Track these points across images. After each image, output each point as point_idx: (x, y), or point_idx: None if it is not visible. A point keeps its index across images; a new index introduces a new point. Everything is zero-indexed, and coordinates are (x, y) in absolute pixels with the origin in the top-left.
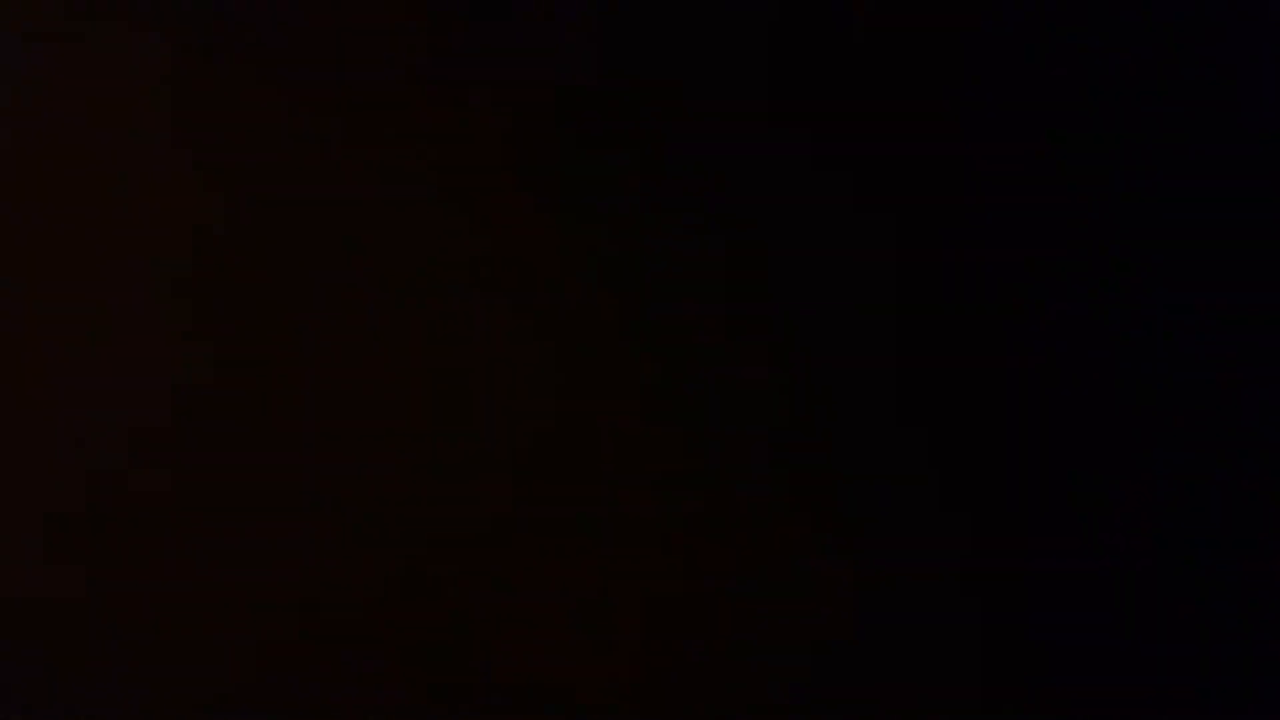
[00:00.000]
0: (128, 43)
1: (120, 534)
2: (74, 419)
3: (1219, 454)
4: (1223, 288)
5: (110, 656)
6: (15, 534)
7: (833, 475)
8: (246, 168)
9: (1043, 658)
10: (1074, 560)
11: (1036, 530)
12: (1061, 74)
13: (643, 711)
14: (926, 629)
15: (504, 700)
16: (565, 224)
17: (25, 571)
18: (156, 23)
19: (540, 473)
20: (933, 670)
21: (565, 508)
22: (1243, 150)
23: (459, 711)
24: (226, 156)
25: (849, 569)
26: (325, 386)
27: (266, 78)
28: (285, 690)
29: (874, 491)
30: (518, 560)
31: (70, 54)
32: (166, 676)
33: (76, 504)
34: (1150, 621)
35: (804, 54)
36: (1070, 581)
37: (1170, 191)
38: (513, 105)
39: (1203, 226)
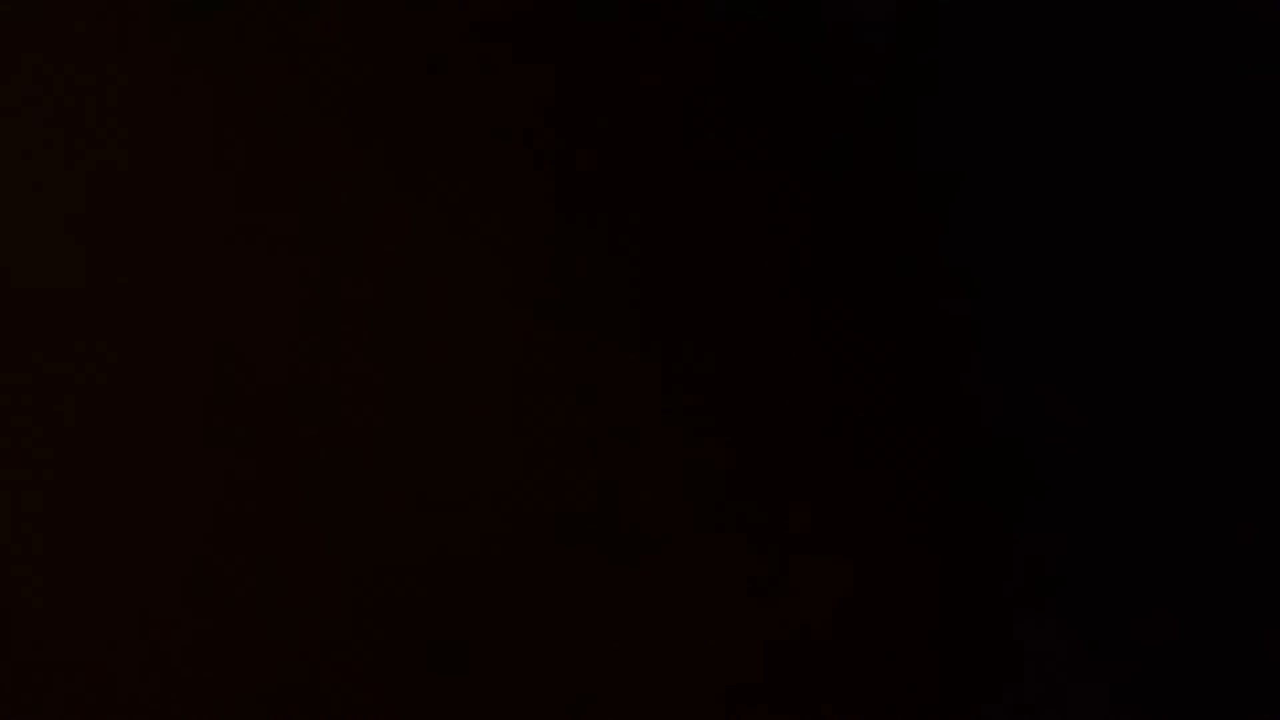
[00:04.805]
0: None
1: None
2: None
3: (1217, 454)
4: (1219, 290)
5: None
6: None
7: (837, 479)
8: (242, 165)
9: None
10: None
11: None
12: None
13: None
14: (918, 629)
15: (507, 710)
16: (568, 222)
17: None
18: (154, 24)
19: (541, 472)
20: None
21: (569, 512)
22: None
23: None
24: (222, 153)
25: (849, 571)
26: (323, 388)
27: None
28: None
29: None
30: (521, 570)
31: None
32: (164, 682)
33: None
34: (1148, 620)
35: (805, 62)
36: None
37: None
38: (520, 105)
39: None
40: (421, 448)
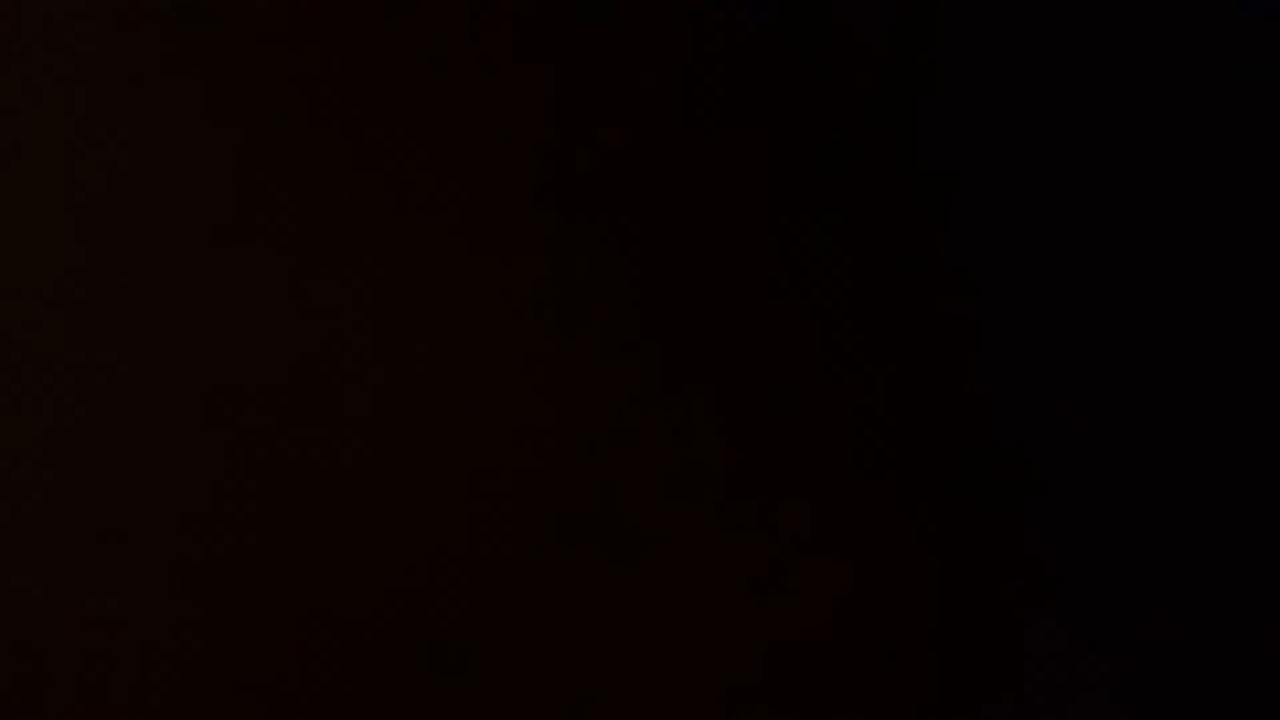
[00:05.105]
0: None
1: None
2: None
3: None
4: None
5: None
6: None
7: (837, 479)
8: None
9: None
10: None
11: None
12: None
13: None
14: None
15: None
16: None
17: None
18: (154, 24)
19: (542, 479)
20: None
21: (569, 512)
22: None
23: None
24: (222, 153)
25: (850, 571)
26: (323, 388)
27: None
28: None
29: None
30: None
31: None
32: (164, 682)
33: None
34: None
35: (804, 63)
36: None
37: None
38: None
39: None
40: (421, 448)
